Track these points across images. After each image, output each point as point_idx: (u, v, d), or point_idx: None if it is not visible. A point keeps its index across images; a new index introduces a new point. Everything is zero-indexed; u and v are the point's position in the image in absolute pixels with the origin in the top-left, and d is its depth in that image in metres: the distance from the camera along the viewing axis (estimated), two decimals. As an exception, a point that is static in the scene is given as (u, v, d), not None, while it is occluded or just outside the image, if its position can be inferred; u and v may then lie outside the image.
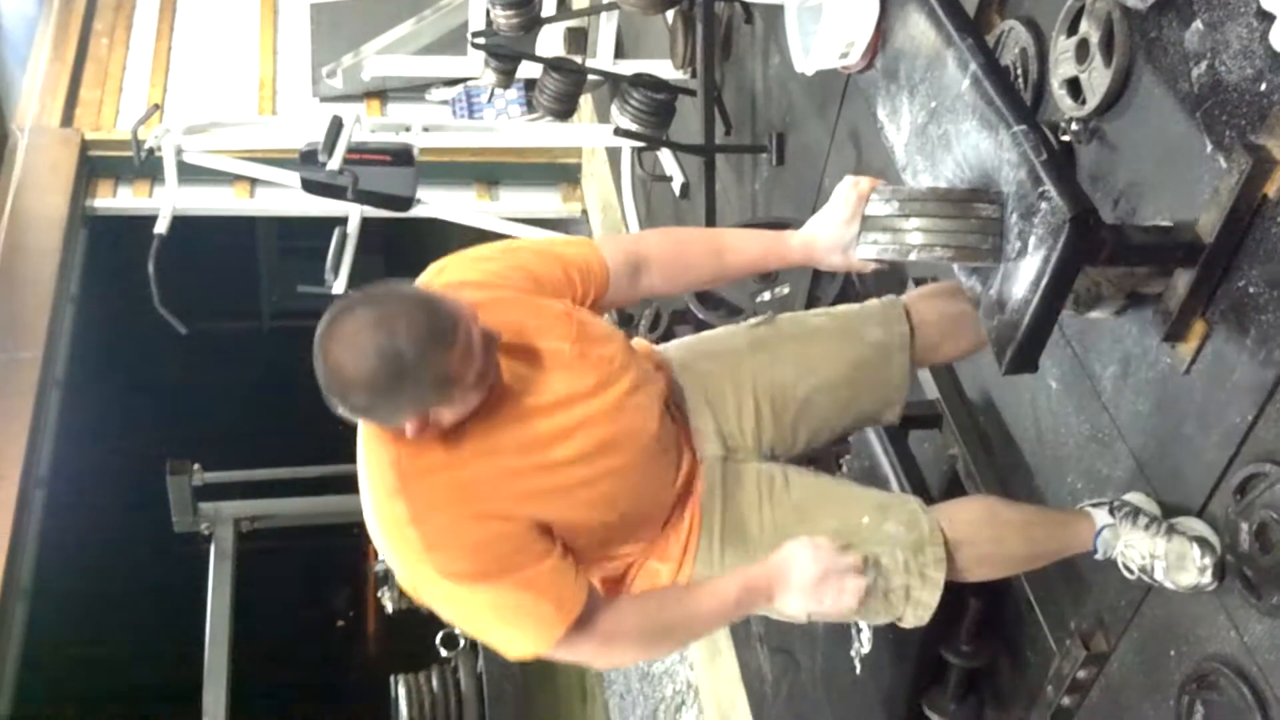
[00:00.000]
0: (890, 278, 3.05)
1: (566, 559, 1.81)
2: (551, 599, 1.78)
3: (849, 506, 2.03)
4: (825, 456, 2.34)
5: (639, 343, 2.15)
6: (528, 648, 1.82)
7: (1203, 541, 1.98)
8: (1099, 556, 2.12)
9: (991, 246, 1.80)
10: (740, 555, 1.99)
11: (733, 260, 2.03)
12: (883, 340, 2.15)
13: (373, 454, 1.78)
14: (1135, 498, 2.16)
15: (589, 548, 1.90)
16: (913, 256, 1.84)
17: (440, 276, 1.86)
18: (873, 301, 2.23)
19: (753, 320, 2.20)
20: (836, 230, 1.91)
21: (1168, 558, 2.01)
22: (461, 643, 5.48)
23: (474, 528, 1.74)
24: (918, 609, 2.02)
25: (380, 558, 5.02)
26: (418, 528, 1.73)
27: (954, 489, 2.78)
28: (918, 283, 2.78)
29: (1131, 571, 2.08)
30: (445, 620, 1.89)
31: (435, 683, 5.29)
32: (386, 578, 5.35)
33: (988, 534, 2.06)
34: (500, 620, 1.80)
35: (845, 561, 1.89)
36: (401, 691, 5.25)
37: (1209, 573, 1.97)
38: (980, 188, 1.82)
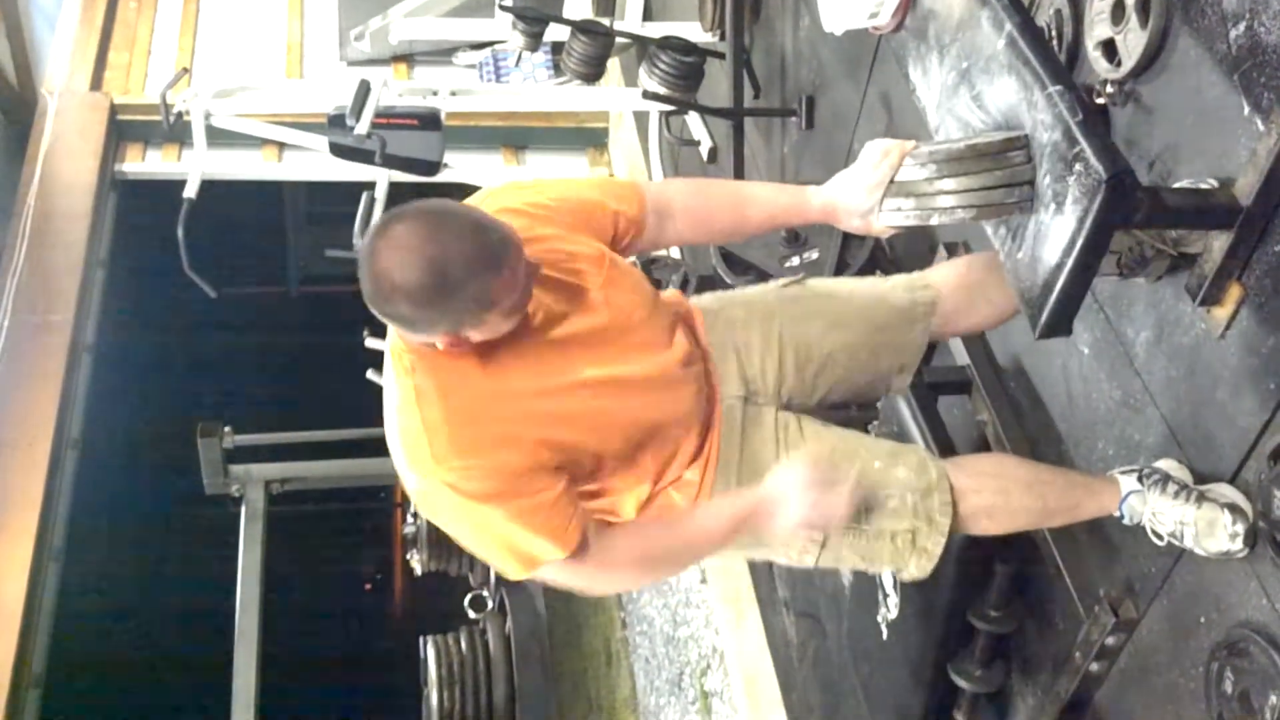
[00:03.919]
0: (920, 243, 3.03)
1: (570, 494, 1.86)
2: (552, 529, 1.83)
3: (861, 455, 2.07)
4: (853, 423, 2.35)
5: (670, 293, 2.19)
6: (523, 571, 1.89)
7: (1234, 508, 1.97)
8: (1126, 522, 2.11)
9: (1019, 198, 1.79)
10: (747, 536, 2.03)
11: (754, 214, 2.06)
12: (906, 305, 2.19)
13: (399, 369, 1.83)
14: (1167, 465, 2.14)
15: (599, 473, 1.95)
16: (934, 220, 1.84)
17: (489, 202, 1.89)
18: (899, 275, 2.28)
19: (783, 280, 2.24)
20: (860, 195, 1.91)
21: (1197, 524, 2.00)
22: (490, 605, 5.52)
23: (488, 448, 1.78)
24: (921, 558, 2.06)
25: (410, 520, 5.01)
26: (434, 441, 1.77)
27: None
28: (948, 248, 2.77)
29: (1161, 538, 2.07)
30: (456, 538, 1.93)
31: (464, 644, 5.32)
32: (415, 540, 5.37)
33: (993, 485, 2.10)
34: (502, 542, 1.85)
35: (837, 475, 1.94)
36: (430, 653, 5.29)
37: (1240, 539, 1.96)
38: (1013, 136, 1.80)
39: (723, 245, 3.53)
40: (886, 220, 1.91)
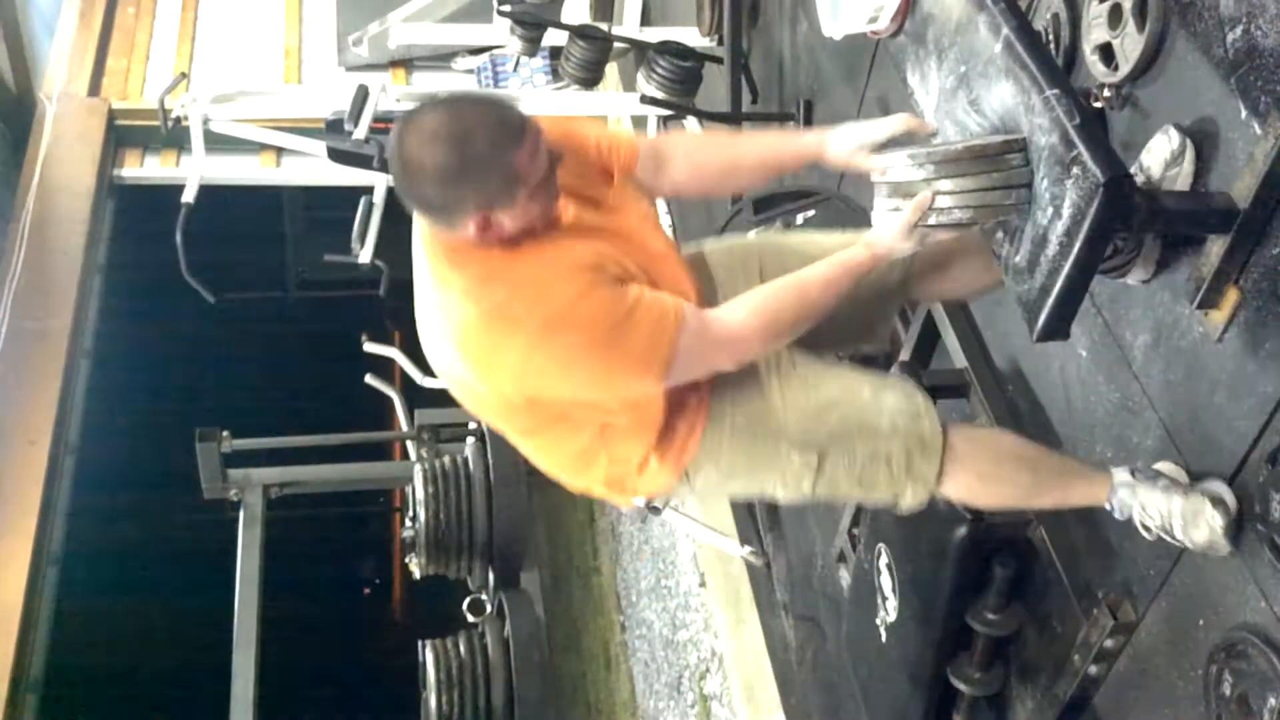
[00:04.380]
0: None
1: (654, 290, 1.88)
2: (662, 307, 1.85)
3: (851, 379, 2.11)
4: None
5: None
6: (658, 371, 1.86)
7: (1217, 500, 1.98)
8: (1117, 516, 2.12)
9: (1016, 200, 1.80)
10: (751, 415, 2.05)
11: (748, 151, 2.14)
12: None
13: (449, 267, 1.85)
14: (1163, 467, 2.15)
15: None
16: (931, 221, 1.85)
17: None
18: None
19: (760, 229, 2.30)
20: (850, 137, 1.98)
21: (1184, 515, 2.01)
22: (488, 608, 5.51)
23: (570, 284, 1.80)
24: (918, 484, 2.08)
25: (409, 524, 4.99)
26: (521, 302, 1.80)
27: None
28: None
29: (1150, 531, 2.08)
30: (570, 390, 1.91)
31: (462, 648, 5.31)
32: (414, 544, 5.37)
33: (986, 453, 2.13)
34: (625, 353, 1.84)
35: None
36: (429, 657, 5.27)
37: (1221, 532, 1.97)
38: (1011, 139, 1.81)
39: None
40: (881, 220, 1.92)
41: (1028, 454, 2.17)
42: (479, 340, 1.85)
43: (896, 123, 1.98)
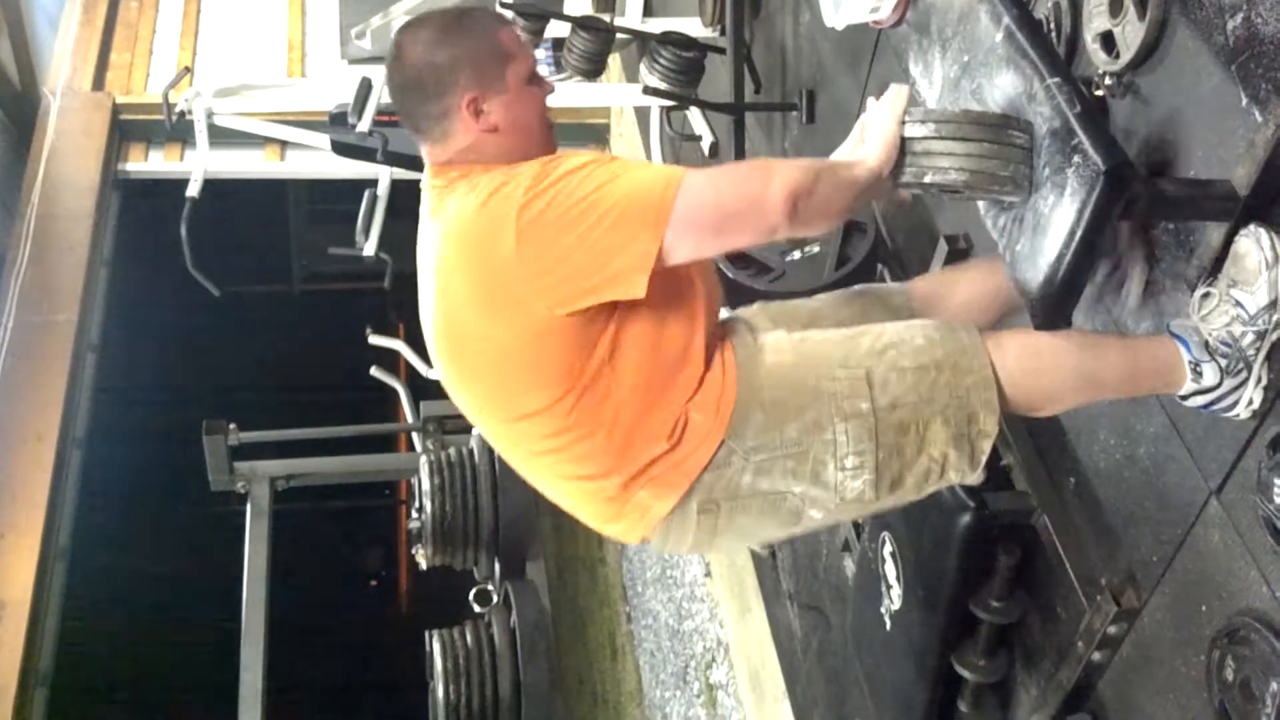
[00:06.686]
0: (920, 235, 3.05)
1: None
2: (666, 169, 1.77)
3: (874, 329, 1.96)
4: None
5: None
6: (663, 190, 1.71)
7: (1245, 235, 1.83)
8: (1198, 355, 1.91)
9: (1011, 174, 1.80)
10: (784, 387, 1.88)
11: None
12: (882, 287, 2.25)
13: (470, 193, 1.78)
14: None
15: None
16: (927, 179, 1.82)
17: None
18: None
19: None
20: None
21: (1235, 276, 1.84)
22: (495, 599, 5.53)
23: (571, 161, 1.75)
24: (987, 410, 1.90)
25: (415, 515, 4.99)
26: (523, 182, 1.72)
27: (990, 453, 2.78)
28: (948, 240, 2.78)
29: (1237, 342, 1.86)
30: (579, 252, 1.75)
31: (469, 638, 5.33)
32: (420, 535, 5.39)
33: (1025, 347, 1.92)
34: (623, 178, 1.73)
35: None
36: (436, 646, 5.29)
37: (1268, 238, 1.79)
38: (1015, 117, 1.81)
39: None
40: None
41: (1065, 341, 1.92)
42: (475, 228, 1.75)
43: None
